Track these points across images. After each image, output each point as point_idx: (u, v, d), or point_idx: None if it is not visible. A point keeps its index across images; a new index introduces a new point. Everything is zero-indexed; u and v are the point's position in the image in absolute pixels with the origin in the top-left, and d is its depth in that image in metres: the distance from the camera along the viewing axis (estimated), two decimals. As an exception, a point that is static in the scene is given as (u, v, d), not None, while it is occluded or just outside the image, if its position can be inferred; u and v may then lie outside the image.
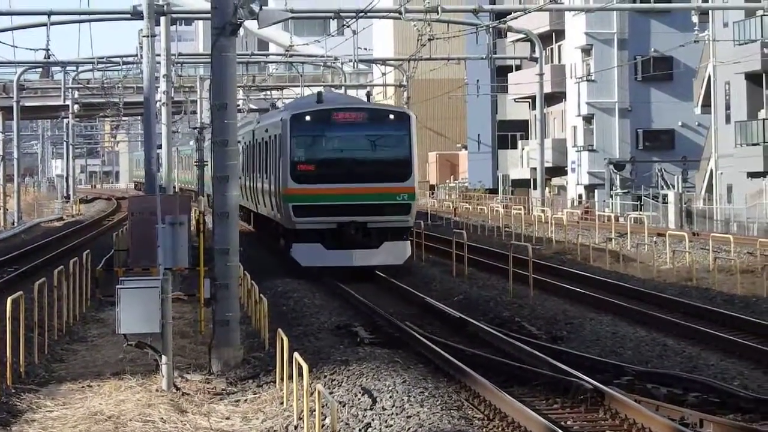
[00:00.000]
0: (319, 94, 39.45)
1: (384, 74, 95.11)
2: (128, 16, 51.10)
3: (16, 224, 73.79)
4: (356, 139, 37.17)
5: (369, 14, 55.04)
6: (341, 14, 58.58)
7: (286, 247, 37.25)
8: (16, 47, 74.38)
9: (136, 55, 60.92)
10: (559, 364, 18.67)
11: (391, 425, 16.15)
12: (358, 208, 34.34)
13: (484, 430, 16.44)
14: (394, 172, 35.10)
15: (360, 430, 16.16)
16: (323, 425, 14.42)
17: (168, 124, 50.40)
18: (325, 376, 20.00)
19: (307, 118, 35.40)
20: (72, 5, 57.91)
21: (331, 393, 17.58)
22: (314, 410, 13.91)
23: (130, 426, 16.99)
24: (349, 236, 34.44)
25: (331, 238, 34.07)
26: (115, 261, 37.87)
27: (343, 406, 17.18)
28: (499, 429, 16.25)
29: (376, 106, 47.16)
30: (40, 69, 72.39)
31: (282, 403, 17.93)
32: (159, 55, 47.53)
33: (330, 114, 36.01)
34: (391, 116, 36.13)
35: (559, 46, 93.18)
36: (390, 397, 17.79)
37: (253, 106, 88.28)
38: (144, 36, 42.32)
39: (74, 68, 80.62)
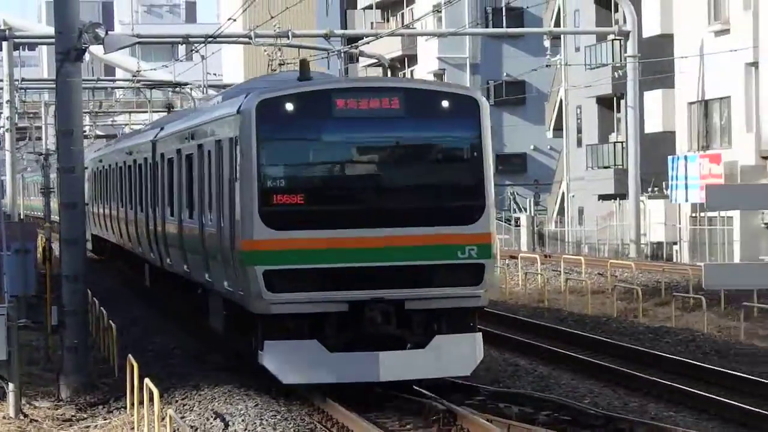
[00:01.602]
0: (304, 63, 23.33)
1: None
2: None
3: None
4: (383, 146, 21.56)
5: (218, 39, 55.91)
6: (190, 39, 59.32)
7: (247, 343, 21.97)
8: None
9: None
10: (412, 386, 19.22)
11: None
12: (388, 275, 19.56)
13: None
14: (453, 206, 20.24)
15: None
16: None
17: (12, 151, 50.96)
18: (177, 401, 20.52)
19: (289, 106, 20.16)
20: None
21: (182, 418, 18.13)
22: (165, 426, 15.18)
23: None
24: (372, 326, 19.70)
25: (336, 330, 19.37)
26: None
27: (195, 430, 17.73)
28: None
29: (418, 83, 28.60)
30: None
31: (133, 429, 18.37)
32: (2, 80, 48.37)
33: (331, 98, 20.57)
34: (446, 102, 20.60)
35: (412, 71, 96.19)
36: (242, 420, 18.48)
37: (99, 132, 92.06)
38: None
39: None
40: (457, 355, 19.10)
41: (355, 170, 20.83)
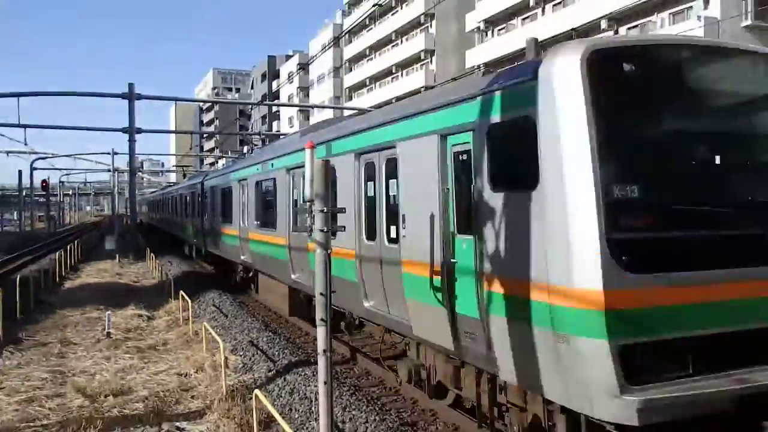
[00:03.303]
0: None
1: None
2: (108, 170, 73.56)
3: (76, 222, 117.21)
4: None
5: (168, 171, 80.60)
6: (164, 170, 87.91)
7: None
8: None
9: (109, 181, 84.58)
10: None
11: (177, 270, 31.12)
12: None
13: (198, 268, 32.33)
14: None
15: (166, 271, 28.85)
16: (160, 270, 29.56)
17: (116, 198, 75.02)
18: (161, 258, 35.86)
19: (647, 59, 6.33)
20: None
21: (161, 263, 33.48)
22: (158, 267, 31.17)
23: (109, 271, 31.00)
24: None
25: None
26: (105, 231, 57.89)
27: (163, 265, 32.02)
28: (199, 268, 32.95)
29: None
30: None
31: (150, 266, 34.11)
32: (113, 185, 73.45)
33: (698, 54, 6.48)
34: None
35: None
36: (177, 262, 35.01)
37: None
38: (111, 176, 68.94)
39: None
40: None
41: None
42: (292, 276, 15.57)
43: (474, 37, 60.97)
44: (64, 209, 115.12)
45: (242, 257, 20.87)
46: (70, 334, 17.36)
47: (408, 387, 11.68)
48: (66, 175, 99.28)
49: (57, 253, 30.87)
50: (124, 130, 37.92)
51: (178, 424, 10.63)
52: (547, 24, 46.62)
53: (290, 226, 15.49)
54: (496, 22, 58.37)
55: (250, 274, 21.62)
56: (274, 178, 16.70)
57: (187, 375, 13.29)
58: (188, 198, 34.18)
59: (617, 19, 42.66)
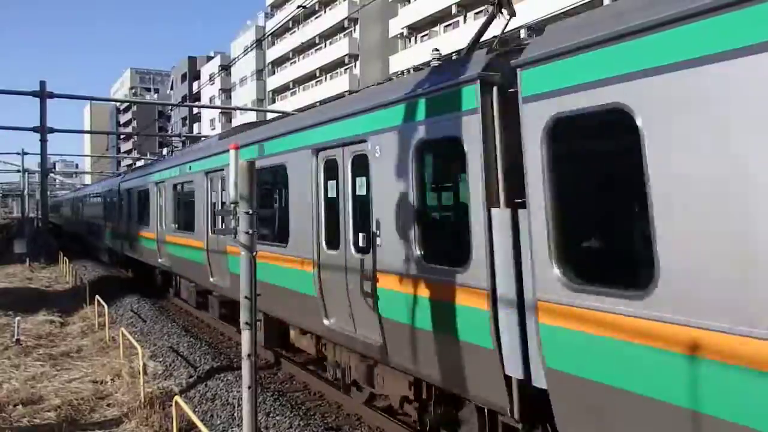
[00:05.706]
0: None
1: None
2: (17, 170, 70.92)
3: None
4: None
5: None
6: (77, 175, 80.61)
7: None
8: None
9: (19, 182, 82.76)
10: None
11: (93, 274, 31.26)
12: None
13: (115, 272, 31.74)
14: None
15: (81, 276, 29.37)
16: (74, 275, 29.69)
17: (27, 200, 71.36)
18: (75, 262, 35.17)
19: None
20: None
21: (76, 267, 33.08)
22: (72, 272, 30.65)
23: (19, 275, 30.97)
24: None
25: None
26: (17, 234, 54.78)
27: (77, 269, 32.45)
28: (116, 272, 33.18)
29: None
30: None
31: (63, 270, 33.81)
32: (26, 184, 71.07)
33: None
34: None
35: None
36: (92, 267, 34.20)
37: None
38: (21, 177, 66.06)
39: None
40: None
41: None
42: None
43: (397, 42, 61.30)
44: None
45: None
46: (-24, 341, 16.98)
47: (333, 391, 11.80)
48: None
49: (-40, 257, 30.40)
50: (35, 130, 36.92)
51: (92, 433, 10.30)
52: (469, 32, 47.23)
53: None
54: (419, 28, 58.84)
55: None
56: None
57: (103, 382, 12.93)
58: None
59: (538, 29, 43.54)
